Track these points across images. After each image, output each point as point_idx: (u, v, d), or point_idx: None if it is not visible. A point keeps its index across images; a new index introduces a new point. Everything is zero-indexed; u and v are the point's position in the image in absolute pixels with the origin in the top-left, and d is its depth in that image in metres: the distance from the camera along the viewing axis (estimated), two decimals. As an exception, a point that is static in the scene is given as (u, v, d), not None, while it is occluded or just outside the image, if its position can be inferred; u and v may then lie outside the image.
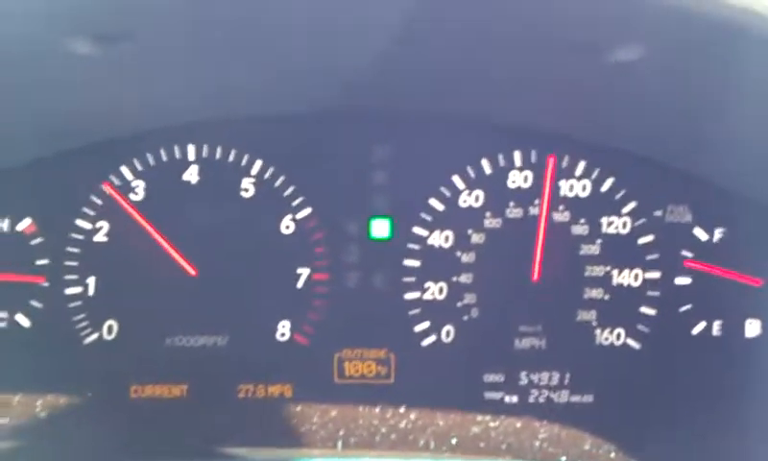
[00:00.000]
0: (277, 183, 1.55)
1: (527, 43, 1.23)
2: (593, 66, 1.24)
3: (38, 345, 1.53)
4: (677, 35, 1.11)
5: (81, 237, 1.54)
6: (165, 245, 1.53)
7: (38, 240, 1.53)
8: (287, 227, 1.55)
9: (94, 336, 1.54)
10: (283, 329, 1.56)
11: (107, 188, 1.54)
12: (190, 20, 1.18)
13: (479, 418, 1.54)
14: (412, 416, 1.54)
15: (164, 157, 1.55)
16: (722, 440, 1.50)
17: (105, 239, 1.54)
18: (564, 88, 1.38)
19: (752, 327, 1.55)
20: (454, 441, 1.51)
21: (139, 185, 1.54)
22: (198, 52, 1.29)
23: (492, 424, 1.53)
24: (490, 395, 1.56)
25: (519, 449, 1.49)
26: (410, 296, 1.55)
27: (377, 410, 1.54)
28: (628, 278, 1.54)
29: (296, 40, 1.27)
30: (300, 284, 1.55)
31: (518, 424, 1.53)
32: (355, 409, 1.54)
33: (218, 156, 1.55)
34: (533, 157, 1.54)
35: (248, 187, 1.55)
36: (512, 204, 1.54)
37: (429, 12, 1.15)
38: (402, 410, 1.54)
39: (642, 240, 1.54)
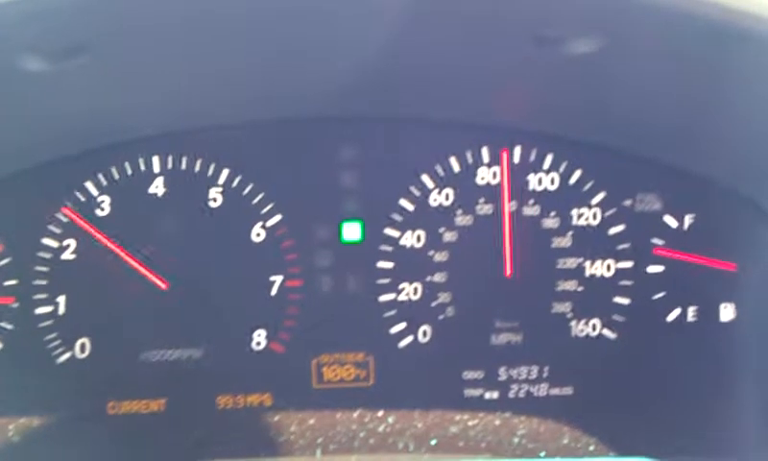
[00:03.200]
0: (246, 192, 1.54)
1: (490, 39, 1.23)
2: (555, 59, 1.24)
3: (10, 367, 1.51)
4: (636, 24, 1.11)
5: (49, 256, 1.51)
6: (132, 261, 1.51)
7: (5, 261, 1.51)
8: (258, 235, 1.54)
9: (67, 355, 1.52)
10: (259, 338, 1.55)
11: (67, 212, 1.52)
12: (150, 29, 1.17)
13: (458, 417, 1.53)
14: (390, 419, 1.53)
15: (129, 171, 1.53)
16: (701, 425, 1.51)
17: (73, 257, 1.51)
18: (527, 83, 1.38)
19: (726, 312, 1.55)
20: (433, 442, 1.51)
21: (105, 201, 1.52)
22: (158, 61, 1.28)
23: (470, 423, 1.53)
24: (469, 392, 1.56)
25: (498, 447, 1.49)
26: (385, 298, 1.55)
27: (356, 415, 1.53)
28: (600, 268, 1.54)
29: (260, 47, 1.26)
30: (273, 292, 1.54)
31: (497, 422, 1.53)
32: (333, 415, 1.53)
33: (183, 166, 1.53)
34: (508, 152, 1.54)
35: (215, 197, 1.53)
36: (482, 200, 1.54)
37: (391, 14, 1.14)
38: (381, 414, 1.54)
39: (613, 230, 1.54)
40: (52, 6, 1.02)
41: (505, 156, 1.53)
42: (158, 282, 1.52)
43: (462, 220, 1.54)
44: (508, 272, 1.53)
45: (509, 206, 1.53)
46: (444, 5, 1.13)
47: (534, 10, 1.12)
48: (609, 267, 1.54)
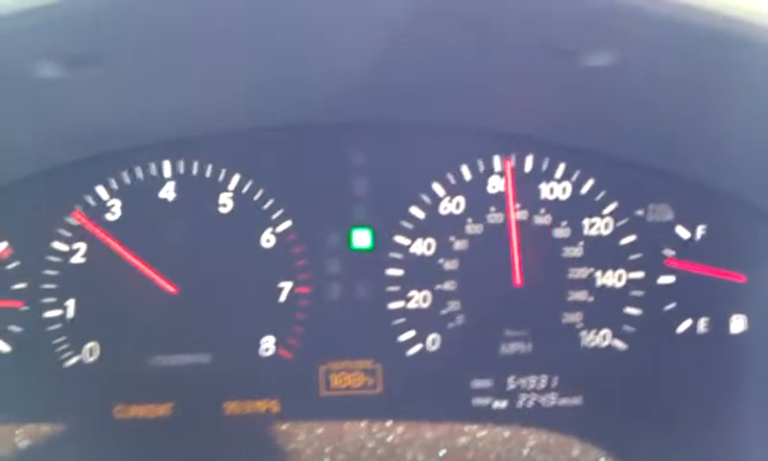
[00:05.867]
0: (256, 197, 1.54)
1: (504, 48, 1.23)
2: (570, 70, 1.24)
3: (18, 370, 1.51)
4: (649, 37, 1.10)
5: (58, 260, 1.51)
6: (142, 265, 1.51)
7: (15, 264, 1.51)
8: (267, 240, 1.54)
9: (75, 359, 1.51)
10: (267, 344, 1.54)
11: (77, 217, 1.52)
12: (162, 36, 1.16)
13: (467, 428, 1.52)
14: (399, 429, 1.52)
15: (140, 175, 1.52)
16: (710, 437, 1.50)
17: (82, 261, 1.51)
18: (541, 92, 1.37)
19: (737, 323, 1.55)
20: (442, 452, 1.50)
21: (115, 205, 1.52)
22: (171, 68, 1.28)
23: (479, 434, 1.52)
24: (478, 401, 1.55)
25: (508, 458, 1.49)
26: (394, 305, 1.54)
27: (364, 424, 1.53)
28: (612, 278, 1.54)
29: (270, 53, 1.26)
30: (282, 298, 1.53)
31: (506, 433, 1.52)
32: (342, 424, 1.53)
33: (194, 171, 1.53)
34: (512, 162, 1.53)
35: (226, 202, 1.53)
36: (492, 209, 1.53)
37: (403, 22, 1.14)
38: (389, 423, 1.53)
39: (624, 240, 1.54)
40: (66, 15, 1.02)
41: (509, 165, 1.53)
42: (168, 287, 1.51)
43: (472, 228, 1.53)
44: (518, 281, 1.52)
45: (514, 216, 1.52)
46: (458, 12, 1.12)
47: (548, 22, 1.12)
48: (620, 277, 1.54)
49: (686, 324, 1.55)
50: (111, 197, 1.52)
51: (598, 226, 1.54)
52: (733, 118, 1.29)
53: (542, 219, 1.53)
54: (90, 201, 1.52)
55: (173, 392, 1.53)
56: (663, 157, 1.50)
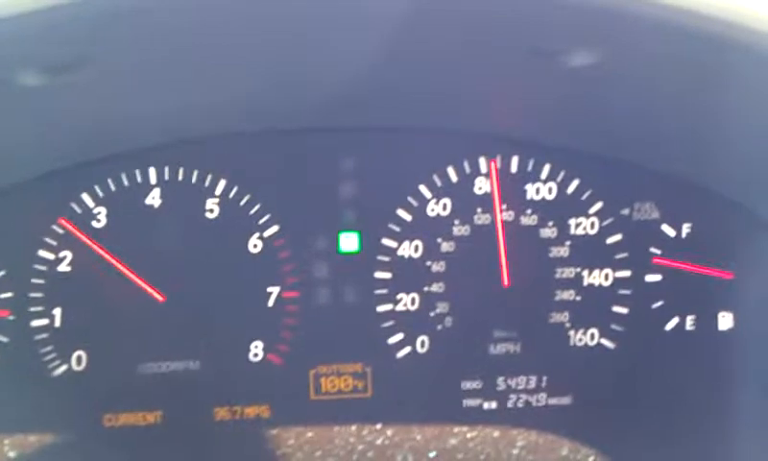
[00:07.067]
0: (243, 202, 1.53)
1: (488, 49, 1.23)
2: (553, 70, 1.24)
3: (6, 380, 1.50)
4: (634, 36, 1.11)
5: (44, 268, 1.50)
6: (128, 273, 1.50)
7: (1, 273, 1.50)
8: (255, 246, 1.54)
9: (63, 368, 1.51)
10: (256, 350, 1.54)
11: (63, 223, 1.51)
12: (148, 42, 1.16)
13: (457, 429, 1.53)
14: (389, 431, 1.52)
15: (125, 182, 1.52)
16: (699, 434, 1.51)
17: (69, 269, 1.50)
18: (526, 94, 1.38)
19: (725, 321, 1.55)
20: (432, 454, 1.51)
21: (101, 212, 1.51)
22: (155, 73, 1.27)
23: (469, 435, 1.53)
24: (468, 402, 1.56)
25: (498, 459, 1.49)
26: (382, 308, 1.54)
27: (354, 428, 1.53)
28: (598, 278, 1.54)
29: (256, 57, 1.26)
30: (270, 303, 1.53)
31: (496, 434, 1.53)
32: (331, 428, 1.53)
33: (180, 177, 1.53)
34: (498, 163, 1.54)
35: (212, 208, 1.53)
36: (479, 210, 1.54)
37: (389, 26, 1.14)
38: (379, 426, 1.53)
39: (611, 239, 1.54)
40: (50, 22, 1.02)
41: (493, 165, 1.53)
42: (155, 294, 1.51)
43: (459, 230, 1.54)
44: (505, 282, 1.53)
45: (501, 216, 1.53)
46: (442, 15, 1.13)
47: (532, 22, 1.12)
48: (607, 276, 1.54)
49: (674, 321, 1.55)
50: (97, 204, 1.51)
51: (584, 225, 1.54)
52: (717, 116, 1.29)
53: (529, 219, 1.54)
54: (76, 208, 1.51)
55: (162, 399, 1.52)
56: (648, 155, 1.50)
